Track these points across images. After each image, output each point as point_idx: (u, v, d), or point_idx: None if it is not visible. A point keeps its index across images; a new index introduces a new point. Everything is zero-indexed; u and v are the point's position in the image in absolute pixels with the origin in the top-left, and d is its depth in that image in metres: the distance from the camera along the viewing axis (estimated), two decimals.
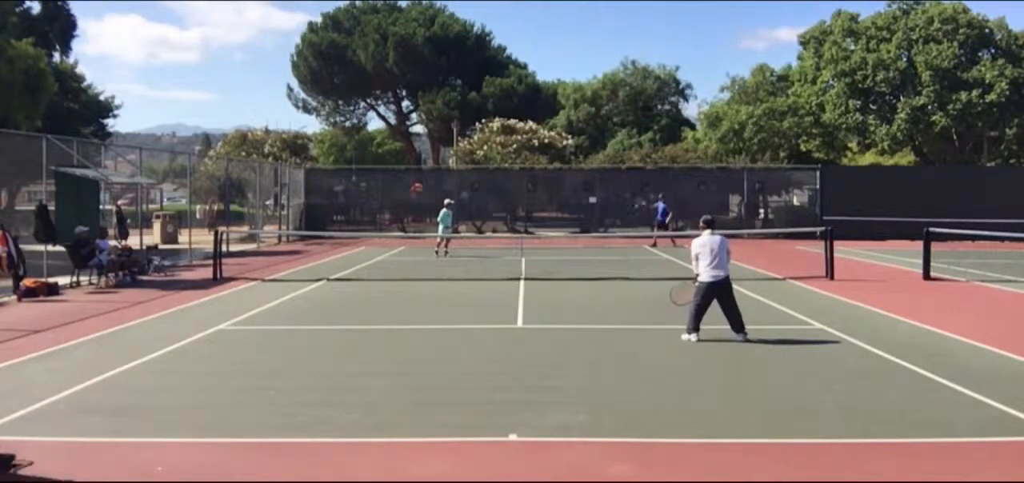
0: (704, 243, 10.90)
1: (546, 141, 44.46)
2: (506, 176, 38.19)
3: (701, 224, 11.31)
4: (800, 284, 17.23)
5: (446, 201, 25.38)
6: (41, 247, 17.38)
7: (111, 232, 20.00)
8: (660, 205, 30.38)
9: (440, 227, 24.82)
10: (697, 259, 10.92)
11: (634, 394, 8.11)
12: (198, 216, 35.13)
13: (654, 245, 28.62)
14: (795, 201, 41.29)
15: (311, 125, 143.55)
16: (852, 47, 43.85)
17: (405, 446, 6.50)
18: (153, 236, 28.38)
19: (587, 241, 31.84)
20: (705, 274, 10.75)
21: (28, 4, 42.92)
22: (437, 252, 24.63)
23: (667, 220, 29.86)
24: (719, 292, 10.75)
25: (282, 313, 13.62)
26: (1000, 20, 42.58)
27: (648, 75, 62.48)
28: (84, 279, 17.42)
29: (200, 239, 26.14)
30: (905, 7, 43.91)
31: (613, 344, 10.73)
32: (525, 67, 57.78)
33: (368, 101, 59.00)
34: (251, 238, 30.79)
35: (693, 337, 10.62)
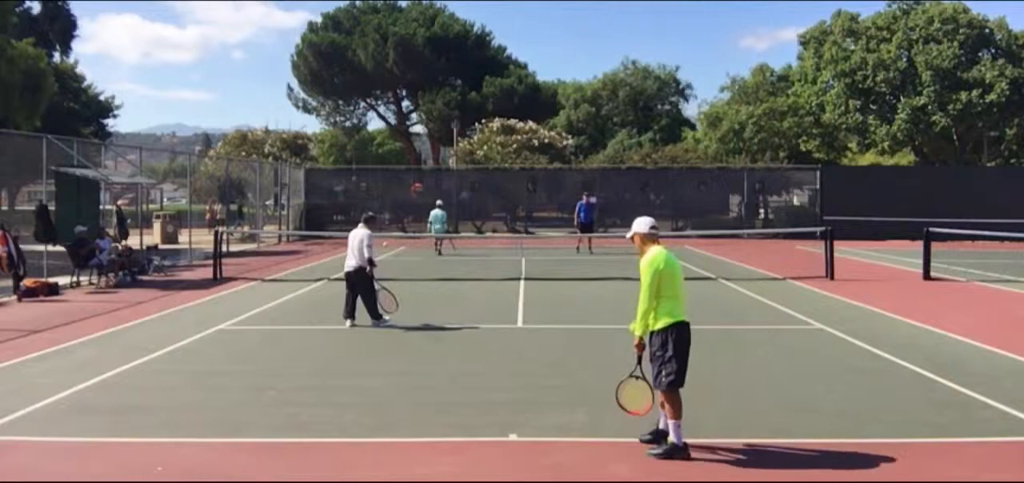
0: None
1: (546, 141, 44.41)
2: (506, 176, 38.17)
3: None
4: (800, 284, 17.22)
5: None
6: (41, 247, 17.38)
7: (110, 232, 20.00)
8: (582, 204, 26.22)
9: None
10: None
11: None
12: (207, 217, 35.20)
13: (578, 249, 25.51)
14: (795, 201, 41.27)
15: (311, 125, 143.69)
16: (852, 47, 43.85)
17: (405, 446, 6.50)
18: (153, 236, 28.38)
19: (587, 241, 31.72)
20: None
21: (28, 4, 42.99)
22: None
23: (589, 220, 26.06)
24: None
25: (282, 313, 13.62)
26: (1000, 20, 42.57)
27: (648, 75, 62.55)
28: (84, 279, 17.41)
29: (200, 239, 26.13)
30: (905, 7, 43.90)
31: (613, 344, 10.71)
32: (525, 67, 57.74)
33: (368, 101, 58.96)
34: (251, 238, 30.79)
35: None
